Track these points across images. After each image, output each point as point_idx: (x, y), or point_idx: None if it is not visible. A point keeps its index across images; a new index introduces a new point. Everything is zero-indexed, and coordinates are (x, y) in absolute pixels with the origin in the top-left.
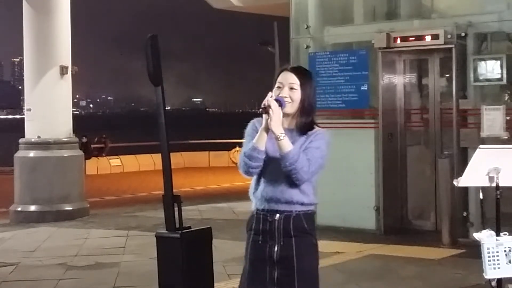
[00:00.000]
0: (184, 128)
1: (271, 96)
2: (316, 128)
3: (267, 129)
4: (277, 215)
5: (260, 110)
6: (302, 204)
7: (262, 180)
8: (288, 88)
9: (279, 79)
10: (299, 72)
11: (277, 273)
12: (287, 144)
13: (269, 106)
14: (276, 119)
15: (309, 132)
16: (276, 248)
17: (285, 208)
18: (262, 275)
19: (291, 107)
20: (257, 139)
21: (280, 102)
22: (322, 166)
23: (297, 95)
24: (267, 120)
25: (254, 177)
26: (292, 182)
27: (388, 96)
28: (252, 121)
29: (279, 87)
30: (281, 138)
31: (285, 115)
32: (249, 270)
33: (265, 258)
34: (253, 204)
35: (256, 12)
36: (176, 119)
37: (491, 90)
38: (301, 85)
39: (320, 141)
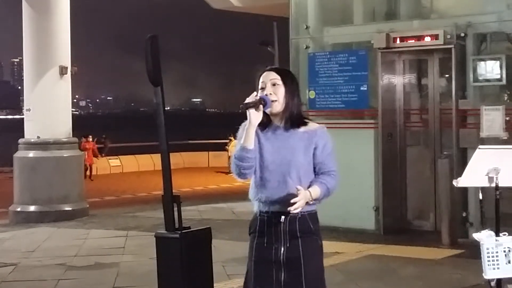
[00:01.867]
0: (184, 128)
1: (256, 95)
2: (311, 124)
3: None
4: (282, 217)
5: (242, 106)
6: (307, 204)
7: (264, 182)
8: (270, 85)
9: (261, 79)
10: (280, 70)
11: (284, 275)
12: (316, 193)
13: (256, 103)
14: (301, 200)
15: (304, 128)
16: (282, 250)
17: None
18: (268, 277)
19: (278, 105)
20: (244, 139)
21: (265, 100)
22: None
23: (281, 89)
24: (253, 115)
25: (253, 180)
26: (296, 183)
27: (388, 96)
28: (243, 123)
29: (262, 88)
30: (312, 201)
31: (274, 114)
32: (254, 273)
33: (271, 260)
34: (255, 207)
35: (255, 12)
36: (176, 119)
37: (490, 91)
38: (283, 80)
39: (327, 145)
